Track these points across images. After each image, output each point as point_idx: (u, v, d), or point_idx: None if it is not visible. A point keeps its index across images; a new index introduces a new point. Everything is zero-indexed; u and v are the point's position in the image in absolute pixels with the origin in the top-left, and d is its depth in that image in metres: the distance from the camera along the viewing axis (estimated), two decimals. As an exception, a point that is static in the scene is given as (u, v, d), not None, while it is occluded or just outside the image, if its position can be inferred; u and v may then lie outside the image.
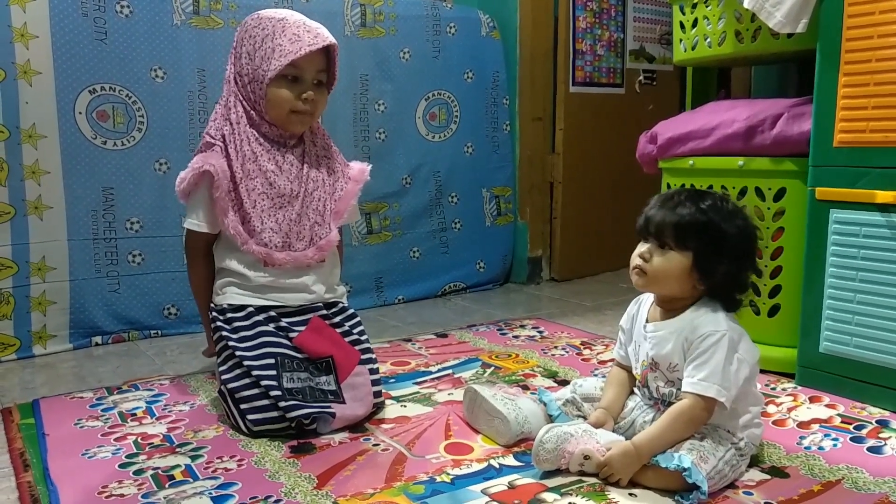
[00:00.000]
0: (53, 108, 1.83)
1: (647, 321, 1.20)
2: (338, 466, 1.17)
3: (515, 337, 1.95)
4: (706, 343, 1.10)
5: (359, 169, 1.51)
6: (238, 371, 1.31)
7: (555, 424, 1.10)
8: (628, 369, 1.26)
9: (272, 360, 1.31)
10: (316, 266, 1.44)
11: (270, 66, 1.36)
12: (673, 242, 1.11)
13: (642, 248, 1.15)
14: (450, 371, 1.66)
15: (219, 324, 1.37)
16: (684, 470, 1.02)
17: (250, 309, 1.38)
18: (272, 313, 1.39)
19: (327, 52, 1.42)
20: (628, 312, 1.27)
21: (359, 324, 1.47)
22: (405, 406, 1.44)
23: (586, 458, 1.07)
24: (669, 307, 1.17)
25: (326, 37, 1.39)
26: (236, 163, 1.38)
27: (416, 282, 2.44)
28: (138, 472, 1.16)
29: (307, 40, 1.36)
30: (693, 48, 1.85)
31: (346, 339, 1.42)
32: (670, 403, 1.14)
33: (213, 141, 1.40)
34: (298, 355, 1.35)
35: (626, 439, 1.19)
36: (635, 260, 1.16)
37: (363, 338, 1.45)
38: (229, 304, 1.39)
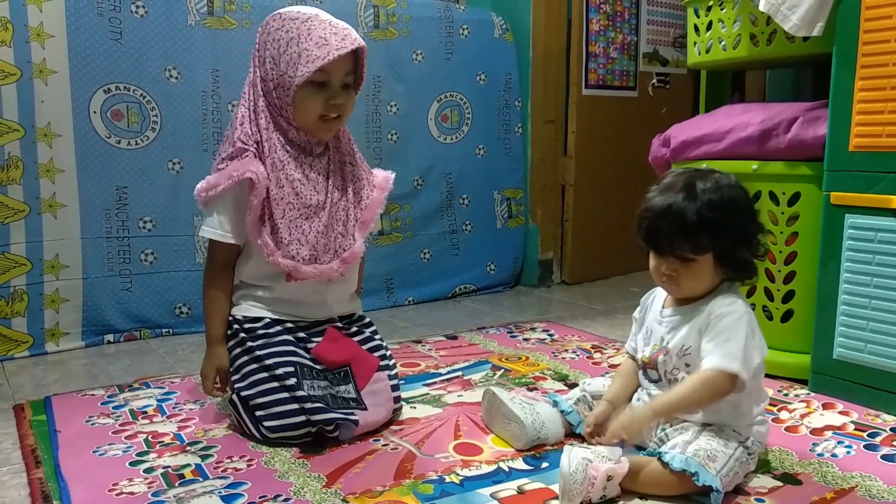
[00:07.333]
0: (68, 107, 1.85)
1: (663, 307, 1.20)
2: (347, 465, 1.18)
3: (526, 340, 1.94)
4: (726, 322, 1.10)
5: (383, 177, 1.47)
6: (253, 378, 1.28)
7: (571, 449, 1.06)
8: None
9: (292, 369, 1.28)
10: (337, 279, 1.39)
11: (298, 72, 1.28)
12: (692, 254, 1.10)
13: (662, 264, 1.14)
14: (459, 373, 1.65)
15: (235, 328, 1.35)
16: (693, 474, 1.01)
17: (267, 320, 1.35)
18: (289, 325, 1.36)
19: (355, 52, 1.34)
20: (642, 303, 1.27)
21: (376, 332, 1.46)
22: (415, 407, 1.44)
23: (609, 478, 1.04)
24: (691, 300, 1.17)
25: (355, 38, 1.33)
26: (267, 170, 1.32)
27: (427, 283, 2.44)
28: (148, 471, 1.16)
29: (335, 44, 1.29)
30: (707, 51, 1.84)
31: (366, 346, 1.41)
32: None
33: (245, 147, 1.31)
34: (317, 366, 1.33)
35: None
36: (661, 276, 1.15)
37: (384, 343, 1.44)
38: (244, 316, 1.35)
